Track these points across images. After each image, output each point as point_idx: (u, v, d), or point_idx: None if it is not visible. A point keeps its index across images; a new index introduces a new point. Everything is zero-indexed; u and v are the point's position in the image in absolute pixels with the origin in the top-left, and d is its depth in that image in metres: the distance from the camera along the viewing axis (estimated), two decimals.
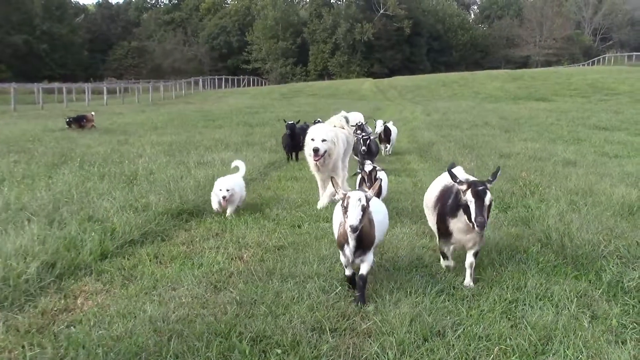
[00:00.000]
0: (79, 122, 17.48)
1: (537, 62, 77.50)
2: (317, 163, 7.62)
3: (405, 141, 15.73)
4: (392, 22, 76.07)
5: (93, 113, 18.42)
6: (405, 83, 50.72)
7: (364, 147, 10.18)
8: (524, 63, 78.30)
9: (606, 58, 65.39)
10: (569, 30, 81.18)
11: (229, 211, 7.16)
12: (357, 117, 12.91)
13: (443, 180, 5.16)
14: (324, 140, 7.50)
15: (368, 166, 6.96)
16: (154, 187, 7.71)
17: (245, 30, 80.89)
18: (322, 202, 7.83)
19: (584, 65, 66.26)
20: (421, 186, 9.16)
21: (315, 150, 7.43)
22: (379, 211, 4.83)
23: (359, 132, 11.74)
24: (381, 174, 7.08)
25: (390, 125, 13.71)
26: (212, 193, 7.18)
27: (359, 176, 7.22)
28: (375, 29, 74.90)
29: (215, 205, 7.18)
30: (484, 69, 67.14)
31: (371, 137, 10.54)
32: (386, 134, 13.65)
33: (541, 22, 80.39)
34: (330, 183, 7.97)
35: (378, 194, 6.40)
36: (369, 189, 6.19)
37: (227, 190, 6.96)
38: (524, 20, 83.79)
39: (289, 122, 11.91)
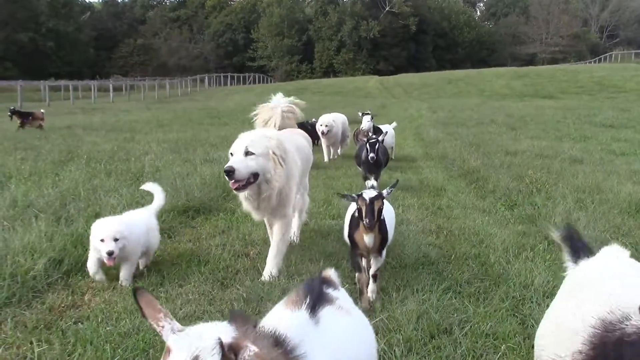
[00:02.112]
0: (23, 117, 16.53)
1: (543, 60, 77.20)
2: (247, 195, 4.71)
3: (411, 139, 15.71)
4: (398, 20, 75.87)
5: (43, 111, 17.45)
6: (411, 80, 50.62)
7: (372, 154, 8.01)
8: (530, 60, 78.03)
9: (613, 55, 65.10)
10: (575, 27, 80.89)
11: (123, 275, 4.59)
12: (339, 119, 12.32)
13: (585, 290, 2.16)
14: (248, 154, 4.48)
15: (369, 191, 4.20)
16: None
17: (251, 28, 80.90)
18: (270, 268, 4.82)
19: (590, 62, 65.95)
20: (427, 183, 9.16)
21: (228, 172, 4.37)
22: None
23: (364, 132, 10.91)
24: (386, 209, 4.38)
25: (388, 128, 11.76)
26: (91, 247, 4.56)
27: (351, 208, 4.55)
28: (381, 27, 74.74)
29: (91, 269, 4.56)
30: (490, 66, 66.96)
31: (380, 140, 8.40)
32: (378, 134, 11.17)
33: (547, 19, 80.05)
34: (279, 228, 4.98)
35: (381, 244, 4.29)
36: (367, 228, 4.11)
37: (116, 241, 4.38)
38: (530, 18, 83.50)
39: None
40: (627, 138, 14.74)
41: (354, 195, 4.25)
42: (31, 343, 3.43)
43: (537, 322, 3.78)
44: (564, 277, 4.74)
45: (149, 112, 24.22)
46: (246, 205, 4.86)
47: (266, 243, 5.66)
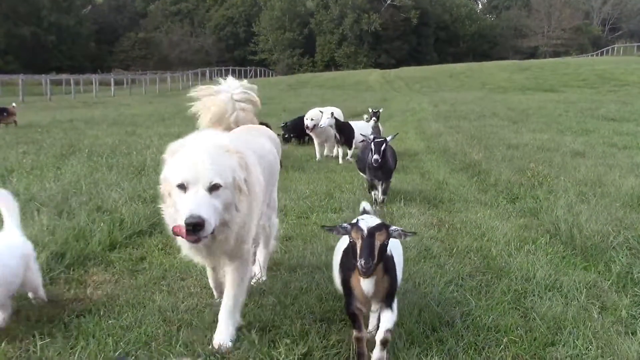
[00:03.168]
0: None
1: (545, 53, 77.05)
2: (202, 245, 3.18)
3: (413, 132, 15.68)
4: (399, 13, 75.76)
5: (14, 105, 16.18)
6: (413, 74, 50.50)
7: (376, 156, 6.83)
8: (532, 54, 77.90)
9: (615, 48, 64.97)
10: (577, 20, 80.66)
11: None
12: (336, 114, 11.89)
13: None
14: (215, 188, 3.02)
15: (368, 218, 3.12)
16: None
17: (252, 21, 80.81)
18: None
19: (592, 55, 65.77)
20: (428, 177, 9.15)
21: (195, 226, 2.87)
22: None
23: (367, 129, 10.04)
24: (393, 246, 3.16)
25: (363, 124, 10.98)
26: None
27: (343, 241, 3.42)
28: (382, 20, 74.65)
29: None
30: (491, 59, 66.80)
31: (388, 140, 7.11)
32: (344, 132, 10.62)
33: (549, 12, 79.89)
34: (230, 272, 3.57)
35: (388, 292, 3.09)
36: (362, 273, 2.86)
37: None
38: (532, 11, 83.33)
39: None
40: (629, 131, 14.70)
41: (345, 225, 3.06)
42: (34, 336, 3.43)
43: (539, 315, 3.80)
44: (565, 271, 4.76)
45: (151, 105, 24.24)
46: (191, 253, 3.44)
47: None
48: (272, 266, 4.79)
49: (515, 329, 3.65)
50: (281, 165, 5.12)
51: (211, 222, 2.93)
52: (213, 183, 2.99)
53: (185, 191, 3.00)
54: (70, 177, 7.68)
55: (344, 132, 10.64)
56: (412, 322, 3.67)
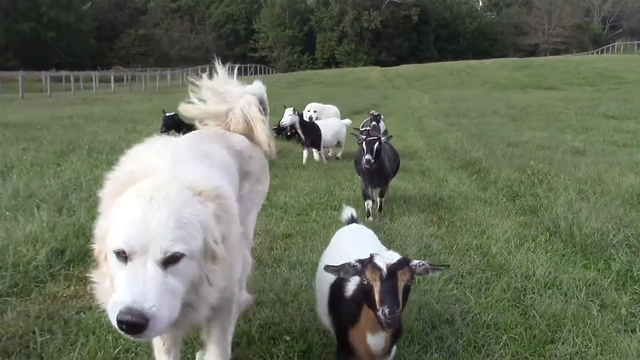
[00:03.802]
0: None
1: (545, 51, 76.96)
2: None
3: (413, 130, 15.69)
4: (400, 10, 75.63)
5: None
6: (413, 71, 50.46)
7: (367, 156, 5.96)
8: (533, 51, 77.82)
9: (615, 46, 64.85)
10: (578, 18, 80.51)
11: None
12: (330, 111, 11.56)
13: None
14: (172, 261, 1.99)
15: (385, 253, 2.35)
16: None
17: (252, 18, 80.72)
18: None
19: (593, 53, 65.73)
20: (428, 175, 9.16)
21: (133, 327, 1.87)
22: None
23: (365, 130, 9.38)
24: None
25: (337, 122, 10.42)
26: None
27: (326, 261, 2.83)
28: (383, 17, 74.49)
29: None
30: (492, 57, 66.70)
31: (383, 140, 6.33)
32: (310, 133, 9.92)
33: (550, 10, 79.78)
34: None
35: (392, 341, 2.56)
36: (386, 325, 2.20)
37: None
38: (533, 8, 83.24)
39: (168, 115, 9.51)
40: (629, 129, 14.70)
41: (355, 263, 2.38)
42: (34, 333, 3.43)
43: (539, 312, 3.80)
44: (564, 268, 4.76)
45: (151, 102, 24.18)
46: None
47: (268, 234, 5.65)
48: (272, 263, 4.79)
49: (515, 326, 3.66)
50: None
51: (163, 317, 1.93)
52: (170, 254, 1.98)
53: (125, 262, 1.97)
54: (70, 173, 7.67)
55: (310, 134, 9.89)
56: (411, 319, 3.68)
